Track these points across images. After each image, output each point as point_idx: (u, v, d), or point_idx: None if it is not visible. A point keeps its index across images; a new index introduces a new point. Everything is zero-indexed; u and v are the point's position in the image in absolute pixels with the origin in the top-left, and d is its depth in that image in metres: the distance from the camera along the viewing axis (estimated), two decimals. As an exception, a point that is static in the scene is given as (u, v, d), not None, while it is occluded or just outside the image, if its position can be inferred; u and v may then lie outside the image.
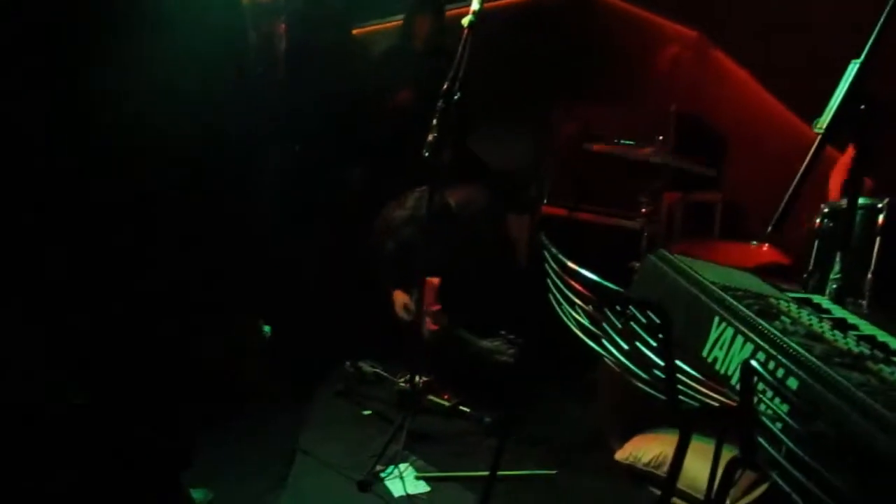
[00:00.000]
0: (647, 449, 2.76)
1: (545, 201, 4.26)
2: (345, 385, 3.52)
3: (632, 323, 1.44)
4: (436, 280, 3.78)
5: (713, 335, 1.41)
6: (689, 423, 1.44)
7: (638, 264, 3.31)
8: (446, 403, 3.34)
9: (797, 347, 1.22)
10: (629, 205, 3.82)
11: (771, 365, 1.21)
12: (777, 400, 1.12)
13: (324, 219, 4.06)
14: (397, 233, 3.69)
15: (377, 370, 3.58)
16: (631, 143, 3.63)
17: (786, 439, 1.06)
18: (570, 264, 1.54)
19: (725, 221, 4.06)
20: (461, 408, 3.32)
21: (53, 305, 2.12)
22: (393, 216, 3.74)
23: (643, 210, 3.56)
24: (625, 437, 2.89)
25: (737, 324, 1.36)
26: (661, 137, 3.40)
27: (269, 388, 3.36)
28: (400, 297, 3.75)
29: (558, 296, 1.68)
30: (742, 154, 4.14)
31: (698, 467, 2.19)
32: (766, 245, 3.59)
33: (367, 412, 3.34)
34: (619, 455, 2.85)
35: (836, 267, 2.04)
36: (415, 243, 3.57)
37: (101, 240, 1.99)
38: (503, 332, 3.61)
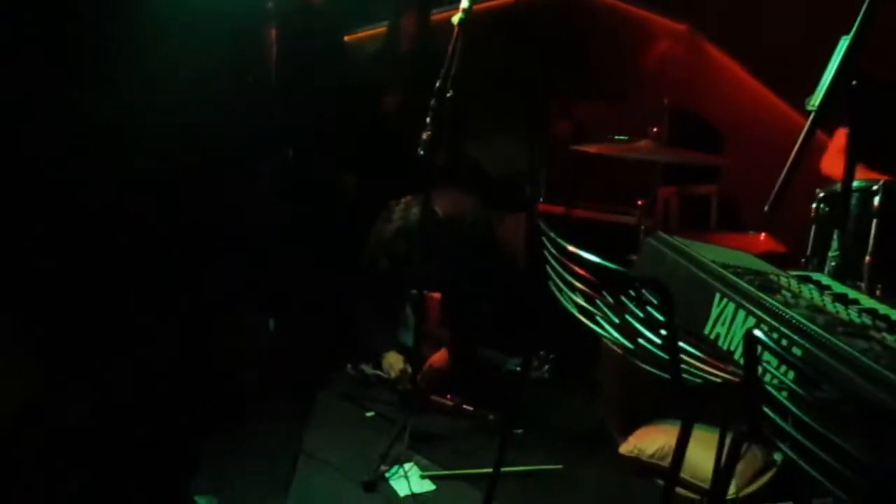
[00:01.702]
0: (651, 441, 2.76)
1: (541, 199, 4.26)
2: (347, 387, 3.51)
3: (632, 303, 1.44)
4: (436, 295, 3.72)
5: (714, 312, 1.42)
6: (693, 400, 1.44)
7: (636, 257, 3.30)
8: (449, 403, 3.33)
9: (800, 318, 1.22)
10: (625, 200, 3.82)
11: (774, 336, 1.21)
12: (782, 368, 1.12)
13: (319, 223, 4.05)
14: (389, 248, 3.54)
15: (378, 372, 3.57)
16: (624, 138, 3.62)
17: (793, 407, 1.06)
18: (571, 248, 1.54)
19: (722, 213, 4.06)
20: (464, 407, 3.31)
21: (60, 315, 2.12)
22: (382, 231, 3.59)
23: (639, 203, 3.56)
24: (628, 431, 2.88)
25: (738, 299, 1.36)
26: (654, 129, 3.39)
27: (271, 391, 3.35)
28: (395, 362, 3.49)
29: (559, 281, 1.67)
30: (737, 145, 4.14)
31: (704, 457, 2.18)
32: (763, 234, 3.60)
33: (369, 414, 3.33)
34: (624, 448, 2.84)
35: (834, 245, 2.05)
36: (408, 256, 3.47)
37: (100, 240, 2.00)
38: (542, 353, 3.59)
